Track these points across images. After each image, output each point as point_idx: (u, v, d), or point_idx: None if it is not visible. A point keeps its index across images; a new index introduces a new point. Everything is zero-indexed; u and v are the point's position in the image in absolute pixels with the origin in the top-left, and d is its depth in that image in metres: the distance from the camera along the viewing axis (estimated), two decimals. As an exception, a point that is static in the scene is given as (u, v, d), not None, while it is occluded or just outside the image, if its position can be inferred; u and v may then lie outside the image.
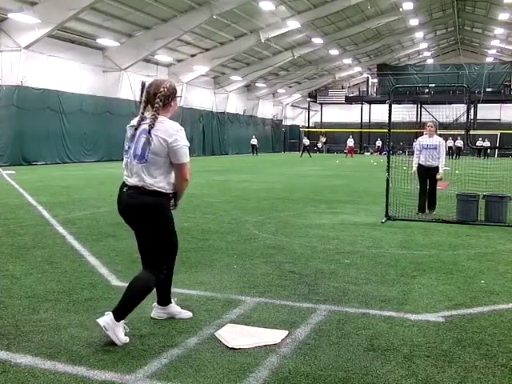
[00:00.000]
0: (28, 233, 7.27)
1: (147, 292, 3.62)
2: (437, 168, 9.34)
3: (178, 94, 3.74)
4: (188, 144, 3.58)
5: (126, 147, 3.62)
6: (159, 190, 3.52)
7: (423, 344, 3.53)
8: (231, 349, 3.39)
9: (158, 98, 3.50)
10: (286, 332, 3.69)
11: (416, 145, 9.70)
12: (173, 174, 3.60)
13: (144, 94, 3.59)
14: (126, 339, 3.46)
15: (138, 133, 3.55)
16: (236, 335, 3.60)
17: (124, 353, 3.31)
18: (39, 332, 3.62)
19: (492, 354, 3.39)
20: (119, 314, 3.46)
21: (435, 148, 9.32)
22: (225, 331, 3.68)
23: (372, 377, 3.05)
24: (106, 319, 3.42)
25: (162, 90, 3.52)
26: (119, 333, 3.42)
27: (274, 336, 3.60)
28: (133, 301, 3.55)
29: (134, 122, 3.63)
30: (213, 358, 3.26)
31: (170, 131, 3.49)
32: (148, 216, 3.54)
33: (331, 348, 3.44)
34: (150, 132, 3.46)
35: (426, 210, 9.50)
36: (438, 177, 9.36)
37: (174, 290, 4.53)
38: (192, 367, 3.13)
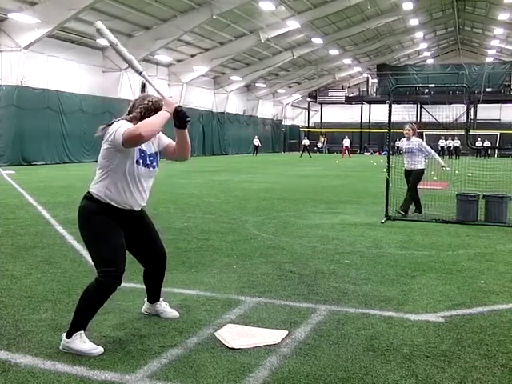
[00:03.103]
0: (28, 233, 7.26)
1: (89, 296, 3.35)
2: (415, 170, 9.27)
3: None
4: (125, 127, 3.28)
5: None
6: (92, 193, 3.48)
7: (423, 344, 3.53)
8: (231, 349, 3.39)
9: (139, 108, 3.47)
10: (286, 332, 3.69)
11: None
12: (111, 179, 3.41)
13: (130, 105, 3.56)
14: (89, 349, 3.26)
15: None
16: (236, 335, 3.60)
17: (124, 353, 3.31)
18: (39, 332, 3.62)
19: (492, 354, 3.39)
20: (70, 328, 3.33)
21: (412, 151, 9.29)
22: (225, 331, 3.68)
23: (372, 377, 3.05)
24: (61, 342, 3.32)
25: (146, 102, 3.50)
26: (78, 346, 3.26)
27: (274, 336, 3.60)
28: (78, 308, 3.37)
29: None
30: (213, 358, 3.26)
31: (109, 131, 3.33)
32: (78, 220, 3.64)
33: (331, 348, 3.45)
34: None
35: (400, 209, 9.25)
36: (444, 166, 9.54)
37: (174, 289, 4.56)
38: (192, 367, 3.13)
